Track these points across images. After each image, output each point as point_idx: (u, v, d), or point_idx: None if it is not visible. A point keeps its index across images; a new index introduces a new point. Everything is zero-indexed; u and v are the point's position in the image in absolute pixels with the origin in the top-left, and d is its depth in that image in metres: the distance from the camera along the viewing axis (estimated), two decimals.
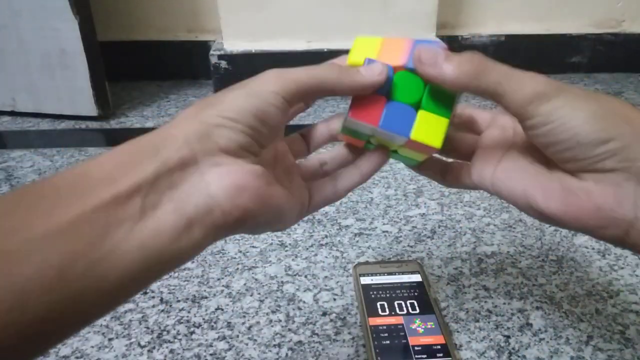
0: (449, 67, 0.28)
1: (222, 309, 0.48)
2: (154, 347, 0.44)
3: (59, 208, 0.21)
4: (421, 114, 0.31)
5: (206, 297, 0.49)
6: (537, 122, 0.27)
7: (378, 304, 0.46)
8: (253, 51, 1.04)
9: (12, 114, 0.98)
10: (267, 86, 0.27)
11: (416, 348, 0.41)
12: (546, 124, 0.27)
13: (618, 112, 0.26)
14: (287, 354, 0.43)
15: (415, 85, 0.31)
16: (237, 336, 0.45)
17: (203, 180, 0.24)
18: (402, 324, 0.43)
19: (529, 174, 0.30)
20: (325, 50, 1.04)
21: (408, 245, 0.57)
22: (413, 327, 0.43)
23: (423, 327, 0.43)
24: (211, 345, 0.44)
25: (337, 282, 0.51)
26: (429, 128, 0.30)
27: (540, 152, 0.29)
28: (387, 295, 0.47)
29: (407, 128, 0.30)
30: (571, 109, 0.26)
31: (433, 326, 0.43)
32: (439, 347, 0.41)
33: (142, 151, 0.24)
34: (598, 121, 0.26)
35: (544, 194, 0.29)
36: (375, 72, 0.29)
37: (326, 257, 0.55)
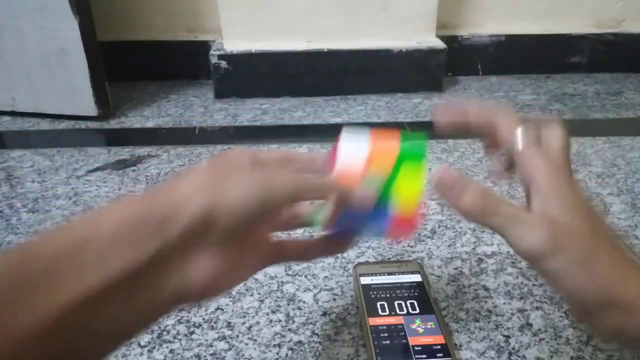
0: (465, 201, 0.30)
1: (222, 309, 0.48)
2: (154, 347, 0.44)
3: (50, 293, 0.21)
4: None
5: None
6: (538, 274, 0.29)
7: (378, 304, 0.46)
8: (253, 51, 1.04)
9: (12, 114, 0.98)
10: (276, 192, 0.28)
11: (416, 348, 0.41)
12: (545, 279, 0.29)
13: (614, 275, 0.27)
14: (287, 354, 0.43)
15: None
16: (237, 336, 0.45)
17: (185, 266, 0.25)
18: (402, 324, 0.43)
19: None
20: (326, 50, 1.04)
21: (408, 245, 0.57)
22: (413, 327, 0.43)
23: (423, 327, 0.43)
24: (211, 345, 0.44)
25: (337, 282, 0.51)
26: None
27: None
28: (387, 295, 0.47)
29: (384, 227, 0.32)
30: (568, 276, 0.27)
31: (433, 326, 0.43)
32: (439, 347, 0.41)
33: (145, 226, 0.24)
34: (592, 290, 0.27)
35: None
36: (367, 196, 0.32)
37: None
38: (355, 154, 0.32)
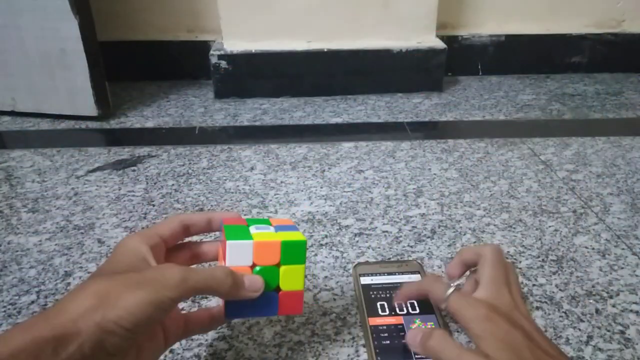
0: (430, 343, 0.36)
1: None
2: None
3: None
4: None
5: (206, 298, 0.49)
6: None
7: (378, 304, 0.46)
8: (253, 51, 1.04)
9: (12, 114, 0.98)
10: (168, 292, 0.29)
11: None
12: None
13: None
14: (287, 354, 0.43)
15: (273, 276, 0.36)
16: (237, 336, 0.45)
17: None
18: (402, 324, 0.43)
19: None
20: (326, 50, 1.04)
21: (408, 245, 0.57)
22: (413, 327, 0.43)
23: (423, 327, 0.43)
24: (211, 345, 0.44)
25: (337, 282, 0.51)
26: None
27: None
28: (387, 295, 0.47)
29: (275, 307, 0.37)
30: None
31: (433, 326, 0.43)
32: None
33: (42, 353, 0.25)
34: None
35: None
36: (256, 287, 0.34)
37: (326, 257, 0.55)
38: (242, 257, 0.35)
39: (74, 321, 0.26)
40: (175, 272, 0.30)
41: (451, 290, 0.39)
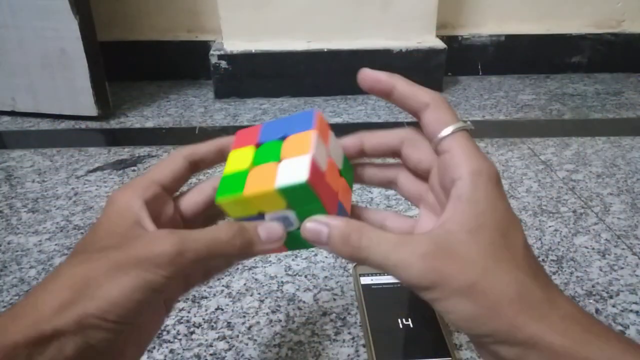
0: (333, 241, 0.26)
1: (222, 309, 0.48)
2: (154, 347, 0.44)
3: None
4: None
5: (206, 297, 0.49)
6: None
7: (378, 304, 0.46)
8: (253, 51, 1.04)
9: (12, 114, 0.98)
10: (161, 271, 0.24)
11: (416, 348, 0.41)
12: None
13: (520, 303, 0.22)
14: (287, 354, 0.43)
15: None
16: (237, 336, 0.45)
17: None
18: (402, 324, 0.43)
19: None
20: (325, 50, 1.04)
21: None
22: (413, 327, 0.43)
23: (423, 326, 0.43)
24: (211, 345, 0.44)
25: (337, 282, 0.51)
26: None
27: None
28: (387, 295, 0.47)
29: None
30: (450, 308, 0.23)
31: (433, 326, 0.43)
32: (439, 346, 0.41)
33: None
34: (487, 322, 0.22)
35: None
36: (277, 237, 0.27)
37: (326, 257, 0.55)
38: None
39: (48, 320, 0.22)
40: (167, 244, 0.24)
41: (458, 126, 0.27)
